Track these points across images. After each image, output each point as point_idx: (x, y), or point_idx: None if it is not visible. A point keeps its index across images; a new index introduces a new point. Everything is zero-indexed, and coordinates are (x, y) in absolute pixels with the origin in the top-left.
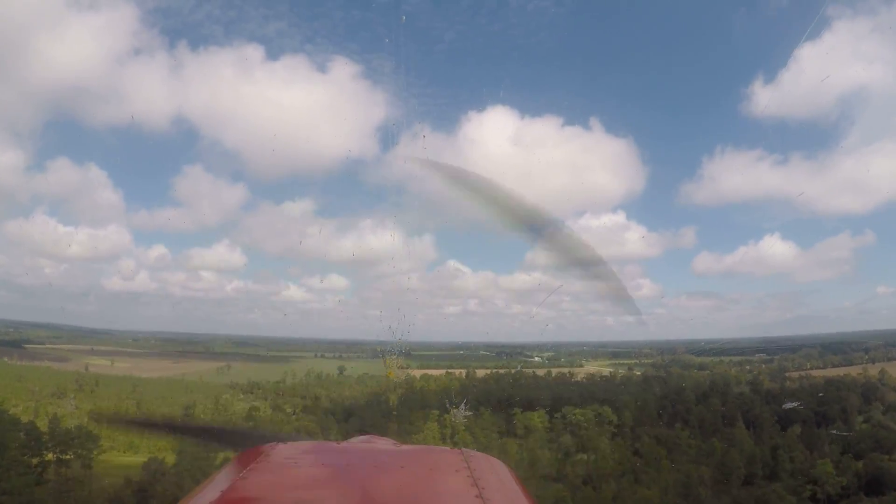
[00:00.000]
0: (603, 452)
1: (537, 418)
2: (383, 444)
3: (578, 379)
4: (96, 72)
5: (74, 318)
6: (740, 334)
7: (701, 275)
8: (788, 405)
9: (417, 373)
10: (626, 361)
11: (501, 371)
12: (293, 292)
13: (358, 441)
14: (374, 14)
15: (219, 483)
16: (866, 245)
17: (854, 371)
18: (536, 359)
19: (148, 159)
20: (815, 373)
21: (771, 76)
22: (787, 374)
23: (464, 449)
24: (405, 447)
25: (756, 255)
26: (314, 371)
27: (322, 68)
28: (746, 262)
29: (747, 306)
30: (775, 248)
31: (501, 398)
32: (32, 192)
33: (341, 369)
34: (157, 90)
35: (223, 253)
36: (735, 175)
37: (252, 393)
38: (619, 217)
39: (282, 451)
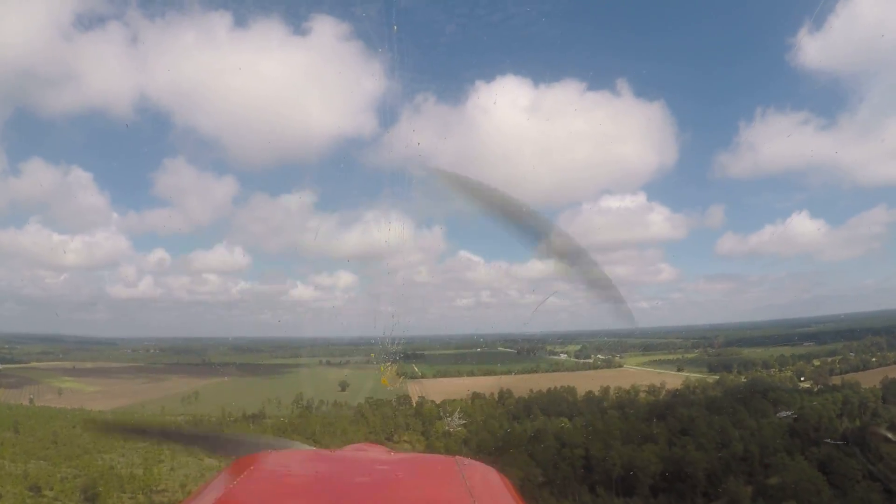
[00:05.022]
0: None
1: None
2: (377, 452)
3: (643, 396)
4: (43, 51)
5: (82, 327)
6: (756, 317)
7: (724, 256)
8: None
9: (435, 392)
10: (664, 357)
11: (543, 390)
12: (301, 291)
13: (352, 449)
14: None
15: (212, 491)
16: None
17: None
18: (563, 355)
19: (123, 154)
20: None
21: (819, 23)
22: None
23: (457, 457)
24: (399, 455)
25: (783, 233)
26: (305, 396)
27: (302, 31)
28: (773, 242)
29: (766, 288)
30: (804, 225)
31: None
32: (10, 198)
33: (343, 386)
34: (115, 69)
35: (224, 254)
36: (775, 142)
37: None
38: (642, 198)
39: (275, 459)
